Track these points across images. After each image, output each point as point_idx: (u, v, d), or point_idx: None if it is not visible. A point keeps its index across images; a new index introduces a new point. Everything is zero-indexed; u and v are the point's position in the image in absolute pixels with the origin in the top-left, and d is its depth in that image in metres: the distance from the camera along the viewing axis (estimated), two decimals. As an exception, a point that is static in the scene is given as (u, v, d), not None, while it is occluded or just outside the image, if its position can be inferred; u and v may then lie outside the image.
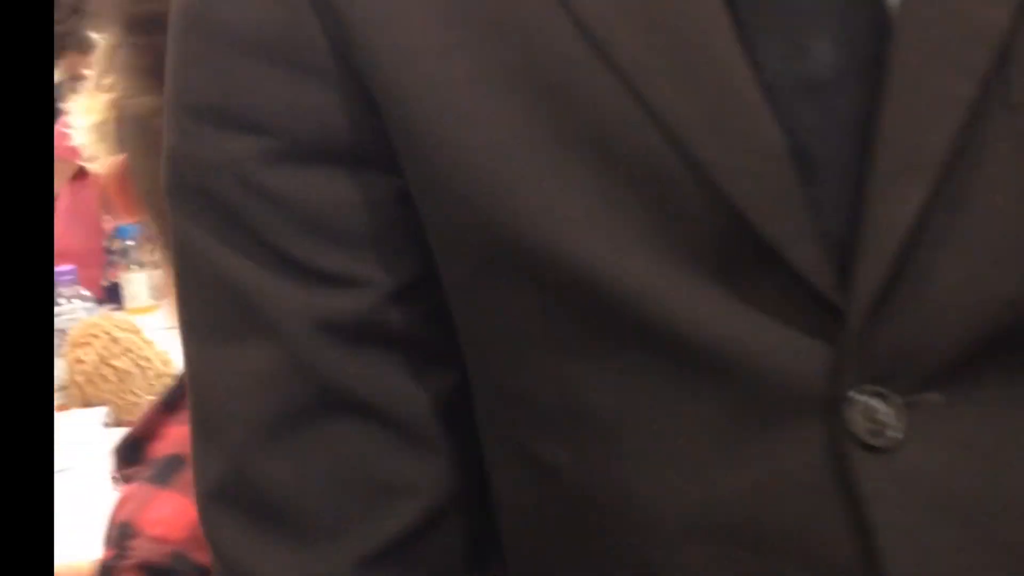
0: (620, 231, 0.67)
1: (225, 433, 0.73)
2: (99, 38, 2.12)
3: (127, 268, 3.29)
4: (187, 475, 1.15)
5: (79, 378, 2.61)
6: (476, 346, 0.72)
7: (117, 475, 1.42)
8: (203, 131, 0.72)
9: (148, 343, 2.65)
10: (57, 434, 2.45)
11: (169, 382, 2.60)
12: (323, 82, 0.70)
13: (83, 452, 2.45)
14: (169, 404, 1.25)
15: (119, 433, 2.49)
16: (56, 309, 2.81)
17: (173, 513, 1.13)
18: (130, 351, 2.61)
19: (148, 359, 2.62)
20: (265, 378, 0.72)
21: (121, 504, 1.18)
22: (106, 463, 2.34)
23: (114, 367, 2.59)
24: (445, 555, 0.74)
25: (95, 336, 2.61)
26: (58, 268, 2.94)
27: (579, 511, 0.71)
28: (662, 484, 0.68)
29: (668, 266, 0.66)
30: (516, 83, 0.67)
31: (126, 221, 1.30)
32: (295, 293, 0.71)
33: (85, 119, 2.02)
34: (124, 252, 3.29)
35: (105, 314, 2.77)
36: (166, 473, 1.17)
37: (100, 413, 2.58)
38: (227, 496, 0.73)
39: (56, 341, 2.70)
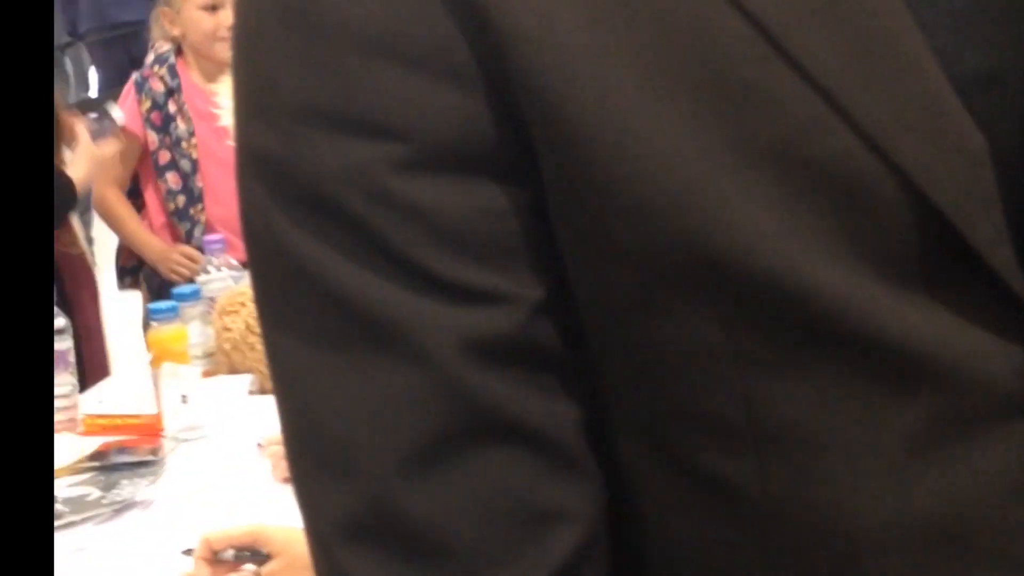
0: (810, 239, 0.63)
1: (359, 464, 0.66)
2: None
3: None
4: None
5: (226, 345, 2.65)
6: (633, 365, 0.67)
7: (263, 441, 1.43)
8: (316, 137, 0.65)
9: (293, 313, 2.68)
10: (203, 400, 2.50)
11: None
12: (459, 85, 0.65)
13: (228, 418, 2.50)
14: None
15: (263, 401, 2.54)
16: (205, 277, 2.86)
17: None
18: (275, 321, 2.65)
19: (293, 329, 2.65)
20: (407, 403, 0.65)
21: None
22: (250, 429, 2.39)
23: (260, 336, 2.62)
24: None
25: (242, 304, 2.65)
26: (207, 237, 2.99)
27: (767, 530, 0.67)
28: (861, 495, 0.66)
29: (866, 274, 0.64)
30: (685, 86, 0.63)
31: None
32: (437, 311, 0.65)
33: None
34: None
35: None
36: None
37: (245, 380, 2.63)
38: (366, 533, 0.67)
39: (205, 308, 2.75)
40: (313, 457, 0.67)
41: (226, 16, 3.34)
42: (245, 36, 0.68)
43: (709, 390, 0.66)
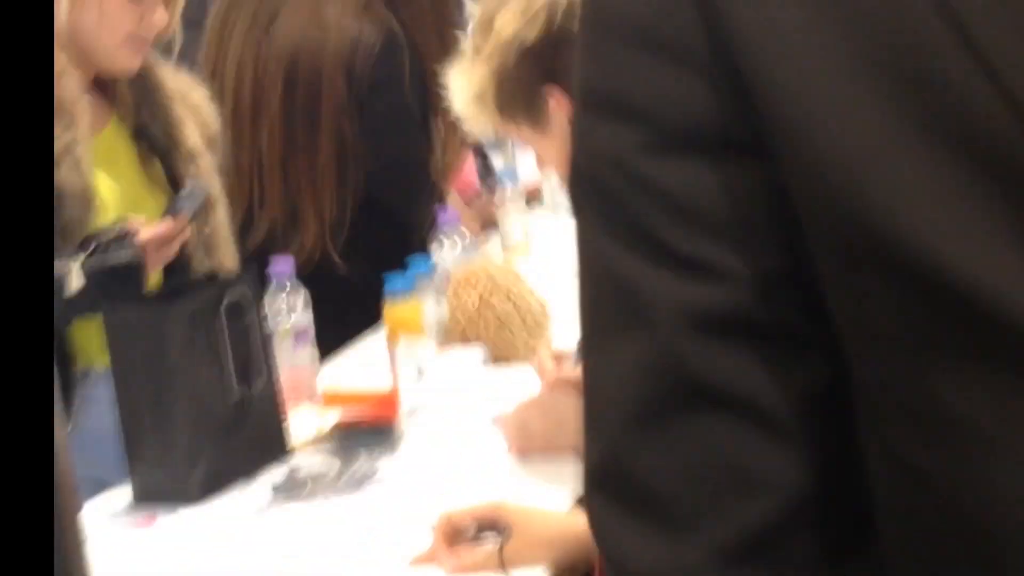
0: (993, 234, 0.66)
1: (603, 421, 0.75)
2: (472, 7, 2.16)
3: (507, 211, 3.36)
4: None
5: (461, 319, 2.68)
6: (846, 342, 0.72)
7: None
8: (594, 122, 0.74)
9: (528, 289, 2.70)
10: (439, 370, 2.53)
11: (545, 329, 2.65)
12: (698, 73, 0.71)
13: (464, 391, 2.53)
14: None
15: (497, 372, 2.56)
16: (439, 249, 2.89)
17: None
18: (510, 293, 2.67)
19: (527, 302, 2.67)
20: (638, 369, 0.72)
21: None
22: (485, 402, 2.41)
23: (493, 308, 2.65)
24: (806, 552, 0.73)
25: (477, 278, 2.68)
26: (443, 213, 3.02)
27: (949, 516, 0.70)
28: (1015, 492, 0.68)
29: None
30: (884, 76, 0.67)
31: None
32: (669, 284, 0.72)
33: (465, 89, 2.07)
34: (506, 195, 3.36)
35: (487, 257, 2.84)
36: None
37: (478, 352, 2.65)
38: (605, 482, 0.75)
39: (440, 281, 2.78)
40: (583, 412, 0.76)
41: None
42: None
43: (895, 375, 0.69)
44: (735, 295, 0.71)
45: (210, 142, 2.67)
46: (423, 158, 3.07)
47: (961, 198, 0.66)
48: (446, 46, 2.89)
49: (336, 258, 3.04)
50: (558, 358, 2.19)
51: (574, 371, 2.14)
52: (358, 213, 3.04)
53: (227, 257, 2.69)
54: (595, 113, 0.74)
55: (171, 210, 2.54)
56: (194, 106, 2.69)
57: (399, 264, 2.76)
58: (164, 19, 2.56)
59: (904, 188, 0.67)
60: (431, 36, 3.04)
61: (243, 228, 3.02)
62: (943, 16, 0.66)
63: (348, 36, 2.98)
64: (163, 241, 2.47)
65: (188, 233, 2.54)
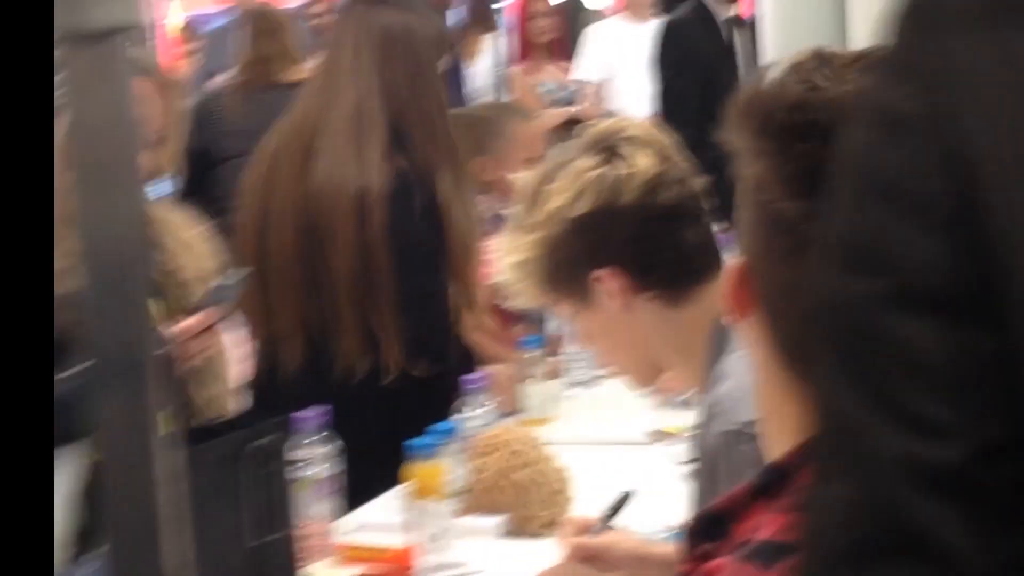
0: None
1: (814, 555, 0.80)
2: (515, 178, 2.18)
3: (528, 379, 3.36)
4: (789, 563, 1.15)
5: (478, 487, 2.66)
6: None
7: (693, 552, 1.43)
8: (835, 267, 0.80)
9: (547, 459, 2.69)
10: (455, 538, 2.51)
11: (564, 499, 2.63)
12: (943, 232, 0.75)
13: (480, 558, 2.50)
14: (759, 490, 1.26)
15: (514, 544, 2.53)
16: (461, 416, 2.88)
17: None
18: (529, 465, 2.65)
19: (545, 475, 2.65)
20: (848, 511, 0.77)
21: (717, 571, 1.22)
22: (501, 570, 2.38)
23: (512, 480, 2.63)
24: None
25: (496, 447, 2.67)
26: (467, 376, 3.02)
27: None
28: None
29: None
30: None
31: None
32: (894, 435, 0.76)
33: (509, 257, 2.08)
34: (529, 362, 3.35)
35: (508, 426, 2.83)
36: (772, 558, 1.18)
37: (495, 522, 2.63)
38: None
39: (461, 446, 2.76)
40: (804, 547, 0.83)
41: None
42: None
43: None
44: (958, 457, 0.74)
45: (205, 278, 2.70)
46: (437, 290, 3.13)
47: None
48: (459, 181, 3.12)
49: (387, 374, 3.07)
50: (583, 527, 2.18)
51: (596, 540, 2.12)
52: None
53: (222, 393, 2.67)
54: (840, 262, 0.79)
55: (205, 301, 2.49)
56: (186, 242, 2.75)
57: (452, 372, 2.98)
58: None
59: None
60: (445, 172, 3.11)
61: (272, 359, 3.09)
62: None
63: (358, 182, 3.06)
64: (195, 334, 2.45)
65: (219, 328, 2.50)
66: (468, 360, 3.21)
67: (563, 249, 2.02)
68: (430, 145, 3.12)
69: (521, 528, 2.63)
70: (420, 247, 3.09)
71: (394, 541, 2.54)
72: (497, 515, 2.64)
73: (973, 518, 0.74)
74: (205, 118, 4.85)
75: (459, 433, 2.79)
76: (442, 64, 3.27)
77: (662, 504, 2.46)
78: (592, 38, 6.97)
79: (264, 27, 5.15)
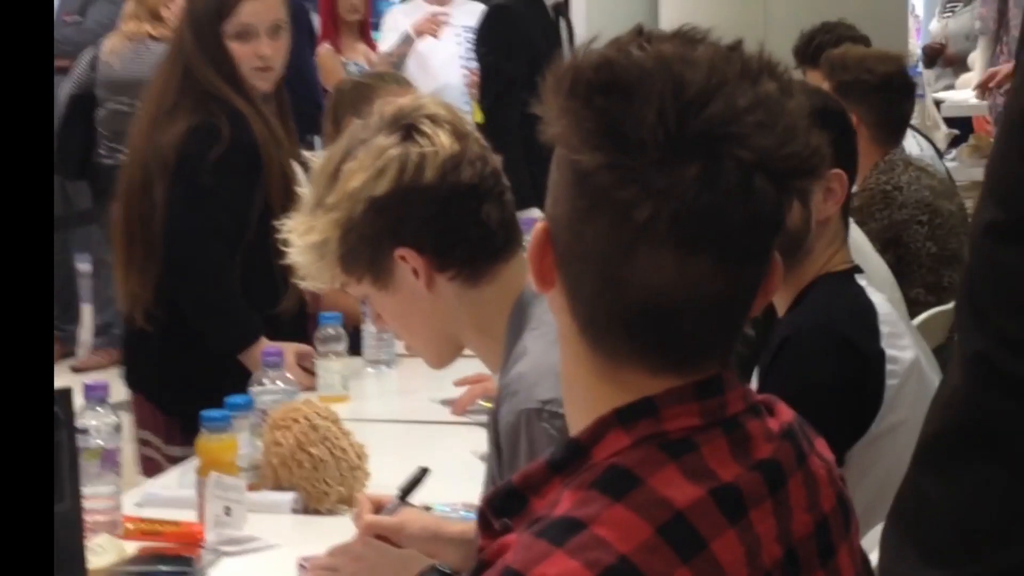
0: None
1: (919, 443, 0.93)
2: (311, 157, 2.14)
3: (325, 356, 3.32)
4: (582, 539, 1.17)
5: (274, 460, 2.62)
6: None
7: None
8: (982, 196, 0.95)
9: (346, 434, 2.65)
10: (246, 513, 2.46)
11: (361, 475, 2.61)
12: None
13: (270, 534, 2.46)
14: (558, 464, 1.26)
15: (305, 520, 2.49)
16: (259, 388, 2.84)
17: (563, 573, 1.15)
18: (327, 440, 2.62)
19: (344, 450, 2.62)
20: (941, 404, 0.95)
21: (509, 549, 1.20)
22: (291, 547, 2.35)
23: (310, 454, 2.60)
24: None
25: (295, 420, 2.62)
26: (267, 349, 2.97)
27: None
28: None
29: None
30: None
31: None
32: (988, 347, 0.88)
33: (304, 238, 2.04)
34: (324, 339, 3.31)
35: (307, 400, 2.79)
36: (561, 534, 1.18)
37: (288, 497, 2.59)
38: None
39: (257, 420, 2.72)
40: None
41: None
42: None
43: None
44: None
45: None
46: (218, 231, 3.39)
47: None
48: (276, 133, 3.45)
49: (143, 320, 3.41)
50: (377, 504, 2.15)
51: (390, 518, 2.10)
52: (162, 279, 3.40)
53: None
54: (984, 192, 0.93)
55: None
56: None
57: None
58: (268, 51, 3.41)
59: None
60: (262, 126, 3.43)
61: None
62: None
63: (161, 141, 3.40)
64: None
65: None
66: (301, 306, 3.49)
67: (363, 228, 1.98)
68: (235, 101, 3.41)
69: (316, 503, 2.60)
70: (203, 195, 3.34)
71: (184, 515, 2.49)
72: (292, 490, 2.60)
73: None
74: (91, 65, 6.10)
75: (255, 406, 2.74)
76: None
77: (458, 482, 2.45)
78: (393, 19, 6.93)
79: None
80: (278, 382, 2.86)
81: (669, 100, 1.19)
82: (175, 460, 3.26)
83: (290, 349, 3.31)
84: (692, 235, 1.19)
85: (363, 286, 2.02)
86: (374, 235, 1.97)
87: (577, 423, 1.27)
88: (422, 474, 2.22)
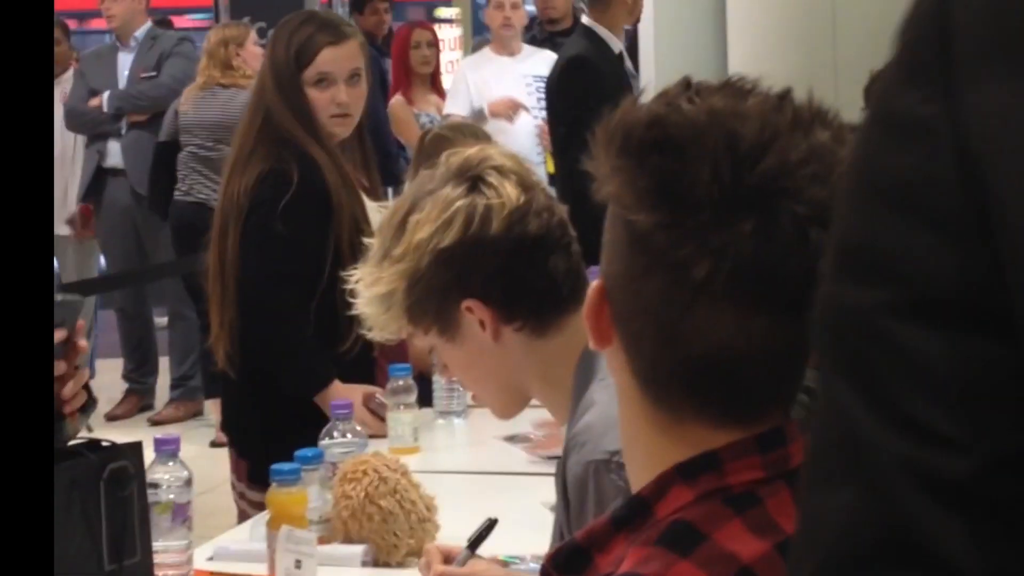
0: None
1: (808, 564, 0.77)
2: (374, 209, 2.15)
3: (395, 408, 3.32)
4: None
5: (344, 513, 2.62)
6: None
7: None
8: (843, 275, 0.77)
9: (415, 485, 2.65)
10: (317, 566, 2.47)
11: (431, 527, 2.61)
12: (956, 241, 0.73)
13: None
14: (622, 521, 1.26)
15: (375, 573, 2.49)
16: (328, 441, 2.85)
17: None
18: (396, 492, 2.62)
19: (413, 502, 2.62)
20: (852, 517, 0.75)
21: None
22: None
23: (379, 506, 2.60)
24: None
25: (364, 473, 2.63)
26: (336, 402, 2.98)
27: None
28: None
29: None
30: None
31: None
32: (901, 446, 0.74)
33: (371, 289, 2.05)
34: (394, 391, 3.32)
35: (376, 452, 2.79)
36: None
37: (359, 550, 2.59)
38: None
39: (327, 473, 2.72)
40: (791, 552, 0.80)
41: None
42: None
43: None
44: (968, 470, 0.73)
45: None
46: (289, 275, 3.42)
47: None
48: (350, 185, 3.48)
49: (224, 362, 3.45)
50: (447, 555, 2.14)
51: (460, 568, 2.09)
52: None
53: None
54: (848, 270, 0.77)
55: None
56: None
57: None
58: (345, 99, 3.46)
59: None
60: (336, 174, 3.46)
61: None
62: None
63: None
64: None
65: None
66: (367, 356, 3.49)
67: (430, 280, 1.98)
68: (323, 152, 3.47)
69: (386, 556, 2.60)
70: (273, 240, 3.40)
71: (255, 569, 2.50)
72: (361, 543, 2.60)
73: (980, 532, 0.73)
74: (173, 115, 6.62)
75: (325, 459, 2.75)
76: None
77: (527, 533, 2.44)
78: (464, 71, 6.95)
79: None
80: (348, 435, 2.86)
81: (723, 156, 1.18)
82: (251, 503, 3.35)
83: (356, 392, 3.35)
84: (750, 290, 1.19)
85: (430, 337, 2.03)
86: (441, 287, 1.98)
87: (639, 480, 1.27)
88: (491, 525, 2.21)
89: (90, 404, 2.26)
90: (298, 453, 2.66)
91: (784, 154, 1.19)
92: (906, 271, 0.74)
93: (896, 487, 0.73)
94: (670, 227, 1.19)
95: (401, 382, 3.35)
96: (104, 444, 2.30)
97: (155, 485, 2.41)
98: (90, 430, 2.29)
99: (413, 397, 3.36)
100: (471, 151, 2.09)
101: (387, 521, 2.59)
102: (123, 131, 7.09)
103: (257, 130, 3.46)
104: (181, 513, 2.46)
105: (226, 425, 3.68)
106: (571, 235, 2.03)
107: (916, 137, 0.75)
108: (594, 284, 1.28)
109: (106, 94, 7.07)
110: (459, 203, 1.98)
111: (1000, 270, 0.71)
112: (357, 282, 2.05)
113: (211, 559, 2.63)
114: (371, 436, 3.10)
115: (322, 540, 2.60)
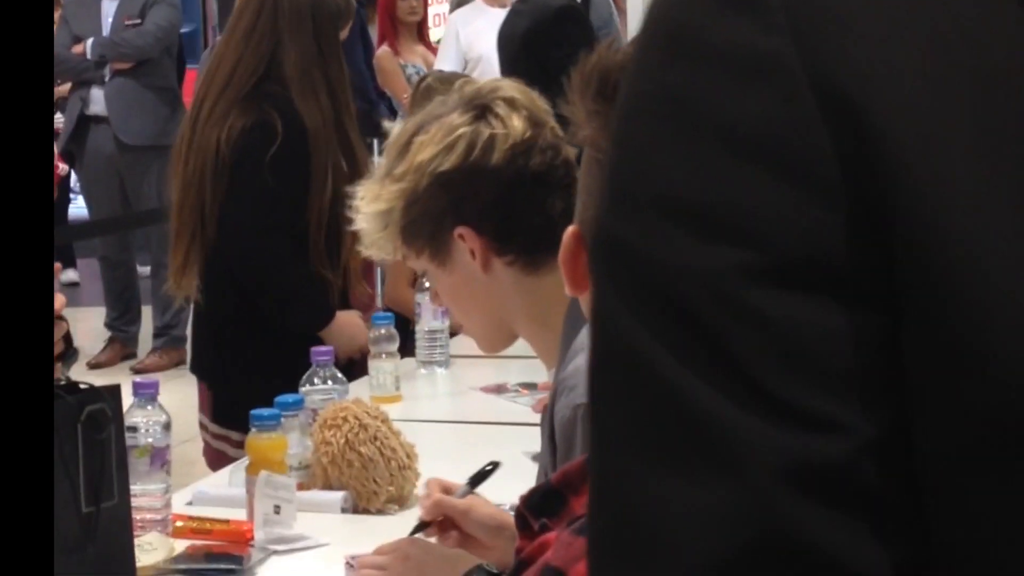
0: None
1: (661, 566, 0.65)
2: (390, 126, 2.15)
3: (377, 356, 3.31)
4: None
5: (324, 459, 2.61)
6: (953, 530, 0.63)
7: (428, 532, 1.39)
8: (675, 234, 0.64)
9: (395, 433, 2.65)
10: (296, 512, 2.46)
11: (411, 475, 2.60)
12: (825, 200, 0.62)
13: (320, 532, 2.46)
14: None
15: (354, 520, 2.49)
16: (309, 388, 2.84)
17: None
18: (377, 439, 2.61)
19: (393, 449, 2.61)
20: (717, 516, 0.63)
21: (552, 547, 1.20)
22: (340, 545, 2.34)
23: (359, 453, 2.59)
24: None
25: (344, 420, 2.62)
26: (316, 348, 2.97)
27: None
28: None
29: None
30: None
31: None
32: (764, 430, 0.63)
33: (370, 206, 2.04)
34: (376, 340, 3.31)
35: (357, 399, 2.78)
36: None
37: (338, 497, 2.59)
38: None
39: (307, 419, 2.71)
40: (617, 546, 0.66)
41: None
42: (624, 115, 0.67)
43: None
44: (844, 453, 0.63)
45: None
46: (281, 224, 3.44)
47: None
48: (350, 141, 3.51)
49: (197, 296, 3.49)
50: (447, 488, 2.15)
51: (457, 501, 2.10)
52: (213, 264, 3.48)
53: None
54: (682, 225, 0.64)
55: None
56: None
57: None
58: None
59: None
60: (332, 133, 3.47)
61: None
62: None
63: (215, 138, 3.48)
64: None
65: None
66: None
67: (426, 202, 1.99)
68: (325, 110, 3.46)
69: (365, 503, 2.59)
70: (265, 193, 3.42)
71: (234, 514, 2.49)
72: (341, 490, 2.60)
73: (863, 522, 0.63)
74: None
75: (305, 405, 2.74)
76: (344, 32, 3.78)
77: (509, 482, 2.44)
78: (453, 25, 6.91)
79: None
80: (328, 381, 2.85)
81: None
82: (214, 435, 3.51)
83: (355, 314, 3.54)
84: None
85: (422, 260, 2.03)
86: (436, 210, 1.98)
87: None
88: (493, 467, 2.22)
89: (71, 354, 2.25)
90: (278, 399, 2.65)
91: None
92: (764, 230, 0.62)
93: (769, 480, 0.63)
94: None
95: (383, 331, 3.34)
96: (82, 387, 2.29)
97: (133, 429, 2.40)
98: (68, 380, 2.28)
99: (395, 346, 3.35)
100: (486, 81, 2.09)
101: (367, 468, 2.59)
102: (106, 78, 7.05)
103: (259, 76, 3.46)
104: (160, 457, 2.45)
105: (196, 361, 3.73)
106: (574, 178, 2.02)
107: (761, 74, 0.63)
108: (570, 229, 1.27)
109: (89, 41, 7.03)
110: (463, 129, 1.98)
111: (877, 228, 0.62)
112: (360, 198, 2.05)
113: (190, 503, 2.62)
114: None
115: (301, 486, 2.59)
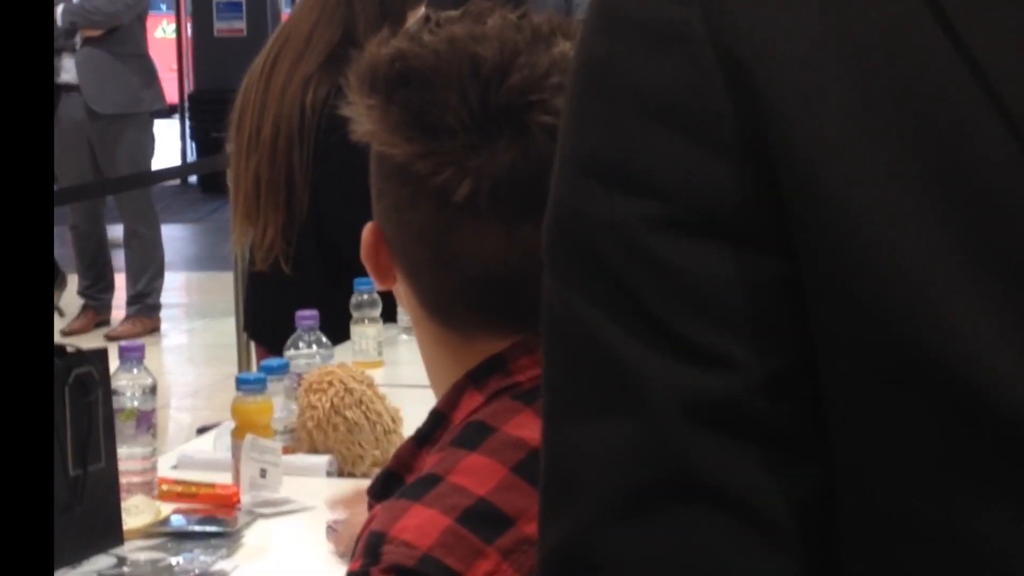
0: None
1: (575, 503, 0.69)
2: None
3: (360, 321, 3.31)
4: (440, 490, 1.21)
5: (309, 423, 2.61)
6: (850, 452, 0.67)
7: (334, 524, 1.44)
8: (592, 188, 0.69)
9: (381, 397, 2.64)
10: (282, 476, 2.46)
11: (396, 439, 2.60)
12: (724, 155, 0.67)
13: (302, 496, 2.46)
14: (421, 439, 1.30)
15: (340, 483, 2.49)
16: (294, 352, 2.83)
17: (423, 522, 1.19)
18: (362, 403, 2.61)
19: (379, 413, 2.61)
20: (622, 453, 0.67)
21: (374, 517, 1.23)
22: (321, 510, 2.34)
23: (344, 417, 2.59)
24: None
25: (330, 384, 2.61)
26: (301, 312, 2.96)
27: None
28: None
29: None
30: (935, 184, 0.64)
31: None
32: (666, 369, 0.67)
33: None
34: (358, 305, 3.30)
35: (342, 363, 2.78)
36: (420, 489, 1.21)
37: (324, 460, 2.59)
38: (567, 565, 0.69)
39: (291, 383, 2.71)
40: (544, 490, 0.71)
41: None
42: (568, 85, 0.73)
43: (911, 492, 0.65)
44: (740, 389, 0.67)
45: None
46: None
47: (1012, 317, 0.62)
48: None
49: (283, 266, 3.37)
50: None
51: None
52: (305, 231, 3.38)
53: None
54: (597, 180, 0.69)
55: None
56: None
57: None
58: None
59: (954, 305, 0.63)
60: None
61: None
62: (1003, 118, 0.63)
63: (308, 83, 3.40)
64: None
65: None
66: None
67: None
68: None
69: (351, 467, 2.59)
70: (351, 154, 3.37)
71: (219, 477, 2.49)
72: (327, 453, 2.60)
73: (757, 455, 0.66)
74: None
75: (290, 369, 2.74)
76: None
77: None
78: None
79: None
80: (313, 345, 2.85)
81: (468, 81, 1.23)
82: None
83: None
84: (513, 204, 1.24)
85: None
86: None
87: (439, 395, 1.33)
88: None
89: (58, 281, 2.25)
90: (263, 363, 2.65)
91: (527, 69, 1.23)
92: (669, 184, 0.67)
93: (671, 416, 0.66)
94: (427, 155, 1.26)
95: (366, 296, 3.34)
96: (69, 350, 2.28)
97: (119, 392, 2.39)
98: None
99: (377, 311, 3.35)
100: None
101: (352, 432, 2.58)
102: (77, 46, 7.01)
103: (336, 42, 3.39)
104: (145, 420, 2.44)
105: (255, 324, 3.70)
106: None
107: (670, 42, 0.68)
108: (368, 225, 1.34)
109: (60, 7, 6.98)
110: None
111: (769, 179, 0.66)
112: None
113: (175, 467, 2.62)
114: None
115: (287, 450, 2.59)
